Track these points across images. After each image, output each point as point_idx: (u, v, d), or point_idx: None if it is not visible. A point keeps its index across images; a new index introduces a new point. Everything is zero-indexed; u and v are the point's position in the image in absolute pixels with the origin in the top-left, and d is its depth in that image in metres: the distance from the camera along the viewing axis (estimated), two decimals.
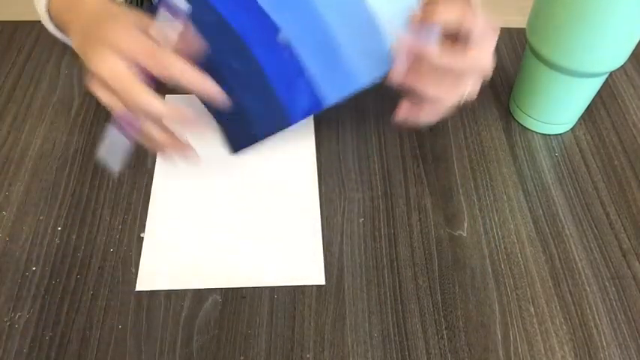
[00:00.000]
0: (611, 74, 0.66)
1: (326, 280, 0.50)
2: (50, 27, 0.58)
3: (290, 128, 0.57)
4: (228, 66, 0.54)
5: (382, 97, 0.65)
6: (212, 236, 0.53)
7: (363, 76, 0.53)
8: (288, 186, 0.57)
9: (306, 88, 0.54)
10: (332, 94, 0.54)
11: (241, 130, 0.58)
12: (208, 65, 0.47)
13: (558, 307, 0.50)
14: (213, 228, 0.54)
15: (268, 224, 0.54)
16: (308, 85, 0.54)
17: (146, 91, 0.44)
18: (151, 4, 0.73)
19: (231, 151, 0.59)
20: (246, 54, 0.53)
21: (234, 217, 0.54)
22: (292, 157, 0.59)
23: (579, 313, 0.49)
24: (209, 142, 0.60)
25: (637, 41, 0.54)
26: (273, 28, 0.52)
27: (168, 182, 0.57)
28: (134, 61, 0.44)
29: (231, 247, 0.52)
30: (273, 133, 0.58)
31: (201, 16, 0.49)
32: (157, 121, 0.47)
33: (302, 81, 0.54)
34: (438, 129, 0.62)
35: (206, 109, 0.58)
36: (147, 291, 0.49)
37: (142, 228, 0.53)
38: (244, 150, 0.59)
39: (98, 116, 0.62)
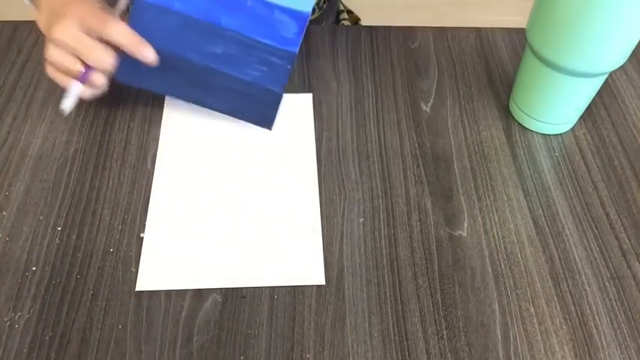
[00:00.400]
0: (611, 74, 0.66)
1: (326, 280, 0.50)
2: (25, 1, 0.66)
3: (291, 129, 0.57)
4: (212, 50, 0.56)
5: (382, 97, 0.65)
6: (212, 236, 0.53)
7: None
8: (288, 186, 0.57)
9: (284, 12, 0.55)
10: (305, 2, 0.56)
11: (267, 97, 0.58)
12: (198, 67, 0.55)
13: (558, 307, 0.50)
14: (212, 228, 0.54)
15: (268, 224, 0.54)
16: (283, 11, 0.55)
17: (98, 45, 0.54)
18: None
19: (269, 124, 0.60)
20: (221, 33, 0.55)
21: (234, 217, 0.54)
22: (292, 157, 0.59)
23: (579, 313, 0.49)
24: (209, 142, 0.60)
25: (637, 41, 0.54)
26: None
27: (168, 182, 0.57)
28: (89, 28, 0.53)
29: (230, 247, 0.52)
30: (289, 73, 0.57)
31: (162, 22, 0.55)
32: (107, 70, 0.55)
33: (276, 8, 0.55)
34: (438, 129, 0.62)
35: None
36: (147, 291, 0.49)
37: (142, 228, 0.53)
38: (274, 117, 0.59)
39: (98, 116, 0.62)
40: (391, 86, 0.66)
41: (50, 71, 0.57)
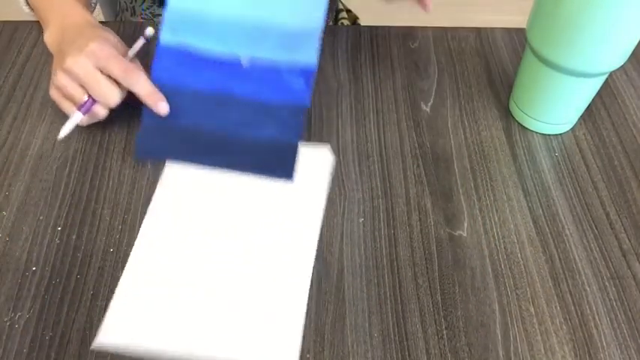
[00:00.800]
0: (611, 74, 0.66)
1: (326, 280, 0.50)
2: (25, 9, 0.69)
3: (300, 188, 0.56)
4: (228, 118, 0.57)
5: (382, 97, 0.65)
6: (187, 297, 0.49)
7: (316, 20, 0.57)
8: (281, 255, 0.52)
9: (290, 73, 0.57)
10: (309, 53, 0.57)
11: (285, 151, 0.57)
12: (215, 135, 0.56)
13: (558, 307, 0.50)
14: (190, 290, 0.49)
15: (251, 293, 0.49)
16: (290, 69, 0.57)
17: (108, 82, 0.55)
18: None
19: (290, 175, 0.56)
20: (234, 102, 0.57)
21: (215, 281, 0.50)
22: (294, 220, 0.54)
23: (579, 313, 0.49)
24: (209, 192, 0.56)
25: (637, 41, 0.54)
26: (233, 62, 0.57)
27: (154, 232, 0.53)
28: (105, 68, 0.54)
29: (203, 312, 0.48)
30: (302, 127, 0.58)
31: (175, 98, 0.57)
32: (111, 105, 0.57)
33: (283, 71, 0.57)
34: (438, 129, 0.62)
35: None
36: None
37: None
38: (295, 165, 0.57)
39: None
40: (391, 86, 0.66)
41: (54, 95, 0.58)
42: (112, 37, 0.59)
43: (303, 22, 0.57)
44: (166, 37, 0.57)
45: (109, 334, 0.47)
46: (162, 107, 0.56)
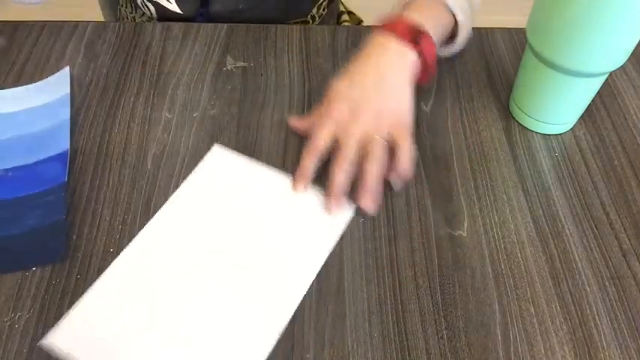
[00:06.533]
0: (611, 74, 0.66)
1: (326, 280, 0.50)
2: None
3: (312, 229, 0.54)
4: None
5: None
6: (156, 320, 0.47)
7: (63, 113, 0.60)
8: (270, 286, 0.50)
9: (44, 165, 0.57)
10: (61, 143, 0.58)
11: (50, 232, 0.53)
12: None
13: (558, 307, 0.50)
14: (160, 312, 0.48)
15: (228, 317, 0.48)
16: (43, 162, 0.57)
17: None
18: None
19: (59, 252, 0.52)
20: None
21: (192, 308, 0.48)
22: (297, 254, 0.52)
23: (579, 313, 0.49)
24: (220, 212, 0.55)
25: (637, 41, 0.54)
26: None
27: (150, 239, 0.52)
28: None
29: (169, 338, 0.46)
30: (65, 202, 0.54)
31: None
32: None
33: (38, 166, 0.57)
34: (438, 129, 0.62)
35: None
36: None
37: (142, 228, 0.53)
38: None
39: (98, 116, 0.62)
40: None
41: None
42: None
43: (51, 119, 0.60)
44: None
45: (61, 336, 0.46)
46: None
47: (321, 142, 0.55)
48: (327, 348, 0.47)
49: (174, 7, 0.79)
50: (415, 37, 0.57)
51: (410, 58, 0.57)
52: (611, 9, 0.50)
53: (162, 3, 0.79)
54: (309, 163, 0.55)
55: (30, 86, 0.63)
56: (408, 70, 0.57)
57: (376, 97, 0.56)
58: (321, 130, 0.56)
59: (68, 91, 0.63)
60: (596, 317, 0.49)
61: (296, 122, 0.61)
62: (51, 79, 0.64)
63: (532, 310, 0.49)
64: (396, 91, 0.57)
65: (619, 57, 0.55)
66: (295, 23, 0.86)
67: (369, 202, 0.54)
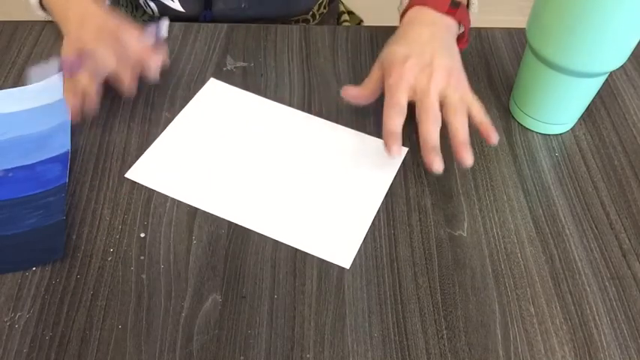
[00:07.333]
0: (611, 74, 0.66)
1: (326, 280, 0.50)
2: (39, 13, 0.69)
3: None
4: None
5: (382, 97, 0.65)
6: (246, 170, 0.54)
7: (62, 114, 0.59)
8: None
9: (45, 166, 0.57)
10: (61, 143, 0.58)
11: (50, 232, 0.53)
12: None
13: (558, 307, 0.50)
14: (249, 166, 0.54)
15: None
16: (43, 163, 0.57)
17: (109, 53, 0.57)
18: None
19: (59, 251, 0.52)
20: None
21: (278, 167, 0.54)
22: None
23: (579, 313, 0.49)
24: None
25: (637, 41, 0.54)
26: None
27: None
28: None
29: (259, 186, 0.52)
30: (65, 203, 0.54)
31: None
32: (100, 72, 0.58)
33: (36, 166, 0.57)
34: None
35: None
36: (147, 290, 0.49)
37: (142, 228, 0.53)
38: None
39: (98, 116, 0.62)
40: None
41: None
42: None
43: (51, 120, 0.60)
44: None
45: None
46: (76, 114, 0.57)
47: (403, 101, 0.55)
48: (327, 348, 0.47)
49: (176, 6, 0.79)
50: (452, 6, 0.60)
51: (451, 23, 0.61)
52: (611, 9, 0.50)
53: (165, 2, 0.78)
54: (398, 122, 0.54)
55: (30, 86, 0.63)
56: (454, 35, 0.61)
57: (443, 56, 0.57)
58: (398, 89, 0.55)
59: None
60: (596, 317, 0.49)
61: (352, 91, 0.60)
62: (51, 79, 0.64)
63: (532, 310, 0.49)
64: (453, 51, 0.59)
65: (619, 57, 0.55)
66: (296, 21, 0.86)
67: (469, 154, 0.54)
